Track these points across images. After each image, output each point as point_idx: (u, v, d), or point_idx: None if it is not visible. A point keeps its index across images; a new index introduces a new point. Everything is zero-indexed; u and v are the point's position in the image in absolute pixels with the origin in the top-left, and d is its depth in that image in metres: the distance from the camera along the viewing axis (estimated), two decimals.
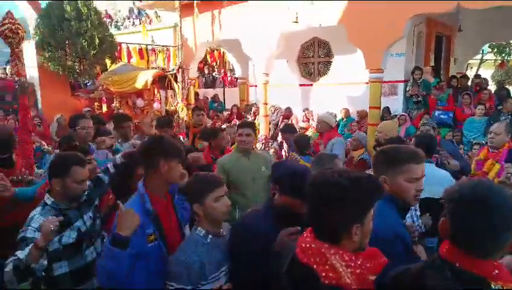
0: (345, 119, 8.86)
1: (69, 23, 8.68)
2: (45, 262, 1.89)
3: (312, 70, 10.05)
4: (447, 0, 6.01)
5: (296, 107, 9.97)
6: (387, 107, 8.16)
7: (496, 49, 16.48)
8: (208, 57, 12.98)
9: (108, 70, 9.90)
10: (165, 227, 2.00)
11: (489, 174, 3.54)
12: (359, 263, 1.22)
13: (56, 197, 2.20)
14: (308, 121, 9.29)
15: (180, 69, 8.58)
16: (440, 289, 1.17)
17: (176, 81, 8.93)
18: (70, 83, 9.94)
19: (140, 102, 8.93)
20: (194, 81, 9.80)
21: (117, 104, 9.28)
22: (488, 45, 14.65)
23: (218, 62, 13.37)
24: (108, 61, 10.02)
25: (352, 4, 7.03)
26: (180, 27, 8.80)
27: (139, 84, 8.84)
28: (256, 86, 10.15)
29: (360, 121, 8.41)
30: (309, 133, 9.01)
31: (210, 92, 12.40)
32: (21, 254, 1.86)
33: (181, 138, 5.36)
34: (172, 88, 9.19)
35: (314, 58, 9.96)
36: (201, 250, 1.83)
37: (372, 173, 1.77)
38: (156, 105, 8.83)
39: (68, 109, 8.79)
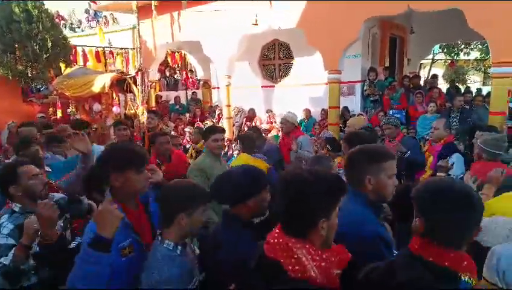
0: (306, 120, 9.03)
1: (18, 25, 8.22)
2: (32, 262, 1.89)
3: (273, 71, 10.17)
4: (398, 1, 6.27)
5: (259, 108, 10.04)
6: (346, 106, 8.42)
7: (446, 50, 17.43)
8: (169, 59, 12.77)
9: (63, 74, 9.48)
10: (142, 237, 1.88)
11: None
12: (324, 257, 1.25)
13: (20, 202, 2.19)
14: (272, 123, 9.39)
15: (139, 72, 8.37)
16: (411, 284, 1.21)
17: (136, 84, 8.70)
18: (21, 88, 9.42)
19: (97, 106, 8.62)
20: (154, 83, 9.61)
21: (73, 109, 8.91)
22: (438, 45, 15.48)
23: (179, 64, 13.19)
24: (62, 65, 9.60)
25: (309, 8, 7.20)
26: (138, 29, 8.59)
27: (96, 88, 8.53)
28: (218, 88, 10.12)
29: (320, 121, 8.61)
30: (272, 133, 9.15)
31: (172, 95, 12.20)
32: (5, 259, 1.88)
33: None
34: (131, 91, 8.95)
35: (275, 60, 10.08)
36: (174, 264, 1.71)
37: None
38: (115, 109, 8.56)
39: (21, 116, 8.31)
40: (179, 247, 1.75)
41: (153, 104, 9.55)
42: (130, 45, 11.78)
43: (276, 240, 1.29)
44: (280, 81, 10.09)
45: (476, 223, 1.24)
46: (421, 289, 1.19)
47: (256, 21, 7.52)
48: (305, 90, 9.34)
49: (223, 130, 3.51)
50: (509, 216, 2.09)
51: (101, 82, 8.55)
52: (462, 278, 1.18)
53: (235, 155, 6.83)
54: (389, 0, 6.31)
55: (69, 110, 8.94)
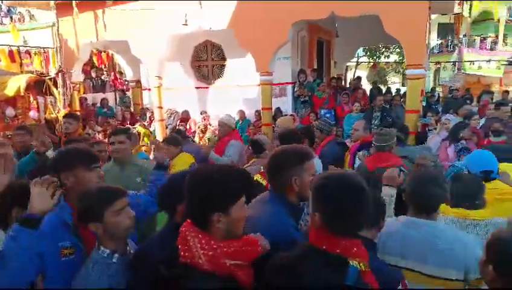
0: (241, 121, 9.09)
1: None
2: None
3: (207, 72, 10.07)
4: (322, 6, 6.55)
5: (193, 110, 9.88)
6: (279, 107, 8.63)
7: (368, 53, 18.74)
8: (95, 59, 12.02)
9: None
10: (87, 241, 1.79)
11: None
12: (215, 247, 1.33)
13: None
14: (206, 127, 9.27)
15: (60, 73, 7.76)
16: (309, 274, 1.29)
17: (56, 86, 8.06)
18: None
19: (10, 111, 7.78)
20: (78, 85, 8.97)
21: None
22: (362, 49, 16.59)
23: (106, 65, 12.48)
24: None
25: (239, 9, 7.24)
26: (58, 27, 7.96)
27: (9, 91, 7.71)
28: (150, 89, 9.75)
29: (255, 122, 8.72)
30: (207, 135, 9.06)
31: (99, 97, 11.49)
32: None
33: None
34: (52, 94, 8.27)
35: (208, 61, 9.99)
36: (108, 272, 1.62)
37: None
38: (32, 114, 7.82)
39: None
40: (116, 255, 1.66)
41: (77, 107, 8.91)
42: (50, 44, 10.86)
43: (182, 229, 1.41)
44: (214, 82, 10.02)
45: (366, 213, 1.34)
46: (310, 274, 1.28)
47: (186, 21, 7.38)
48: (239, 91, 9.38)
49: (122, 131, 3.19)
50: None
51: (15, 84, 7.76)
52: (351, 263, 1.28)
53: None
54: (315, 0, 6.54)
55: None
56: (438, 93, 13.08)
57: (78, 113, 8.91)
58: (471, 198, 2.18)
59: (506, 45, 20.49)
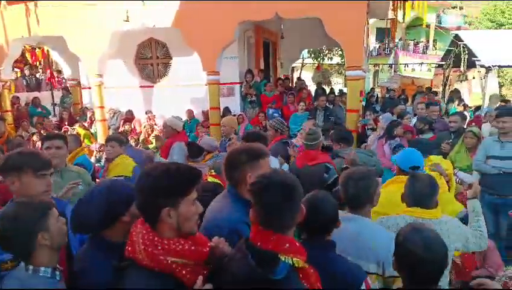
0: (189, 121, 8.96)
1: None
2: None
3: (151, 71, 9.79)
4: (266, 6, 6.65)
5: (137, 109, 9.55)
6: (227, 107, 8.63)
7: (313, 54, 19.37)
8: (28, 55, 11.19)
9: None
10: None
11: None
12: (157, 244, 1.34)
13: None
14: (152, 127, 9.00)
15: None
16: (242, 270, 1.32)
17: None
18: None
19: None
20: (8, 83, 8.28)
21: None
22: (306, 50, 17.10)
23: (41, 62, 11.66)
24: None
25: (184, 8, 7.13)
26: None
27: None
28: (90, 88, 9.26)
29: (204, 122, 8.64)
30: (153, 136, 8.80)
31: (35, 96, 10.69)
32: None
33: None
34: None
35: (152, 59, 9.71)
36: None
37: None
38: None
39: None
40: (57, 272, 1.53)
41: (8, 107, 8.23)
42: None
43: (134, 225, 1.44)
44: (159, 81, 9.77)
45: (296, 209, 1.40)
46: (243, 270, 1.32)
47: (127, 18, 7.11)
48: (185, 90, 9.23)
49: (58, 136, 3.00)
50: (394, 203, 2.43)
51: None
52: (282, 258, 1.32)
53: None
54: (260, 1, 6.63)
55: None
56: (377, 94, 13.91)
57: (9, 113, 8.27)
58: (428, 198, 2.24)
59: (436, 49, 22.34)
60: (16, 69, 10.67)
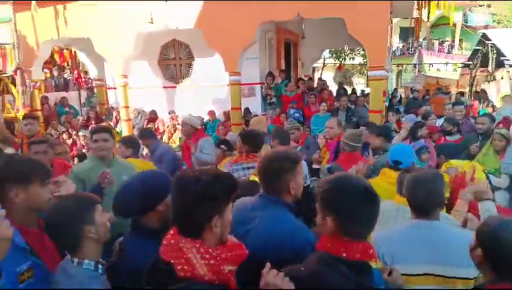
0: (211, 121, 9.06)
1: None
2: None
3: (174, 72, 9.95)
4: (288, 6, 6.65)
5: (161, 109, 9.73)
6: (248, 107, 8.68)
7: (334, 55, 19.19)
8: (57, 57, 11.57)
9: None
10: (43, 261, 1.65)
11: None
12: (215, 254, 1.27)
13: None
14: (175, 127, 9.15)
15: (18, 71, 7.41)
16: (340, 283, 1.26)
17: (15, 84, 7.70)
18: None
19: None
20: (39, 84, 8.59)
21: None
22: (328, 50, 16.96)
23: (69, 63, 12.04)
24: None
25: (206, 9, 7.22)
26: (15, 22, 7.59)
27: None
28: (115, 88, 9.50)
29: (224, 122, 8.72)
30: (176, 135, 8.95)
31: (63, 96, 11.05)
32: None
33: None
34: (10, 93, 7.89)
35: (175, 60, 9.87)
36: (99, 285, 1.52)
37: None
38: None
39: None
40: (100, 266, 1.58)
41: (38, 106, 8.55)
42: (7, 40, 10.33)
43: (169, 242, 1.30)
44: (182, 81, 9.92)
45: (376, 214, 1.36)
46: (338, 283, 1.25)
47: (152, 19, 7.26)
48: (208, 91, 9.34)
49: (105, 129, 3.20)
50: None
51: None
52: (372, 265, 1.30)
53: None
54: (281, 1, 6.63)
55: None
56: (400, 94, 13.65)
57: (39, 112, 8.58)
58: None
59: (462, 49, 21.72)
60: (45, 70, 11.04)
